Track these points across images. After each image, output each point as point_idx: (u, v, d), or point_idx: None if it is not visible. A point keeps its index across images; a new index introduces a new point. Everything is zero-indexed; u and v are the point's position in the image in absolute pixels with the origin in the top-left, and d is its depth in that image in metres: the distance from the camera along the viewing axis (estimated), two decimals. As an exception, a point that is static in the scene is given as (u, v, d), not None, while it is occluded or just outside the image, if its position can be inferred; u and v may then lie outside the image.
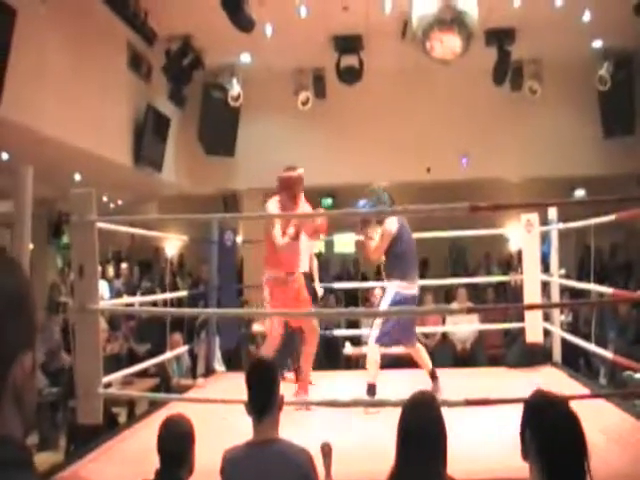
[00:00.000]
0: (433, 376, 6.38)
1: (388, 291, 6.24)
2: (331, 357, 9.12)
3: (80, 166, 10.33)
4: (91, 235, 5.09)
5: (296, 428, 4.88)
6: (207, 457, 3.25)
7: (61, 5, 7.87)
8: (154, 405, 6.49)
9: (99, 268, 6.05)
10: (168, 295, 7.71)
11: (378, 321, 6.19)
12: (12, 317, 1.03)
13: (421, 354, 6.46)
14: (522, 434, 2.34)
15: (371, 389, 6.05)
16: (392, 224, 6.19)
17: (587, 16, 9.97)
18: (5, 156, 8.93)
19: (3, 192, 7.98)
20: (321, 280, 7.90)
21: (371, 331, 6.34)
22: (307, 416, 5.58)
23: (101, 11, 8.71)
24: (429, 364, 6.44)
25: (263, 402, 3.08)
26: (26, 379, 1.05)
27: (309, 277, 7.20)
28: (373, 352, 6.15)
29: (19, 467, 1.02)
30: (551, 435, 2.25)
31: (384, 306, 6.19)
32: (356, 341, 9.05)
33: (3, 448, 1.00)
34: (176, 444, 3.09)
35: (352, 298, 11.29)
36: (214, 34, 10.18)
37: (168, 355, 7.45)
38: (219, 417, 5.37)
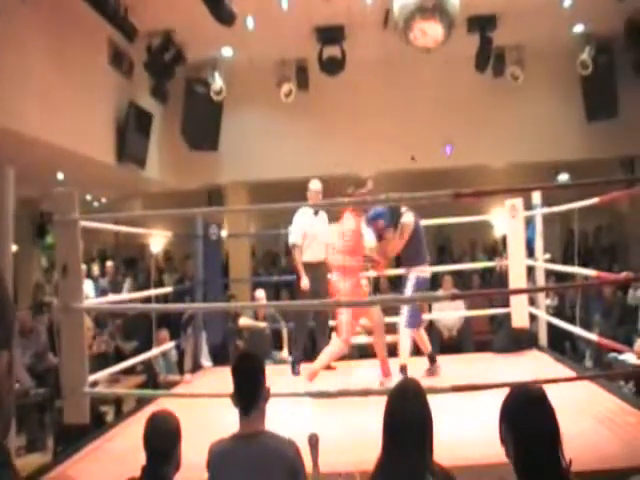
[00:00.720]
0: (432, 359, 6.85)
1: (410, 277, 6.68)
2: (318, 348, 9.14)
3: (63, 165, 10.28)
4: (74, 234, 5.08)
5: (284, 419, 4.89)
6: (194, 452, 3.25)
7: (41, 3, 7.82)
8: (141, 402, 6.47)
9: (84, 267, 6.04)
10: (153, 292, 7.68)
11: (405, 308, 6.67)
12: None
13: (423, 336, 6.96)
14: (500, 433, 2.40)
15: (403, 370, 6.44)
16: (409, 218, 6.72)
17: (568, 1, 9.98)
18: (-14, 157, 8.87)
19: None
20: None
21: (400, 318, 6.71)
22: (294, 407, 5.57)
23: (81, 8, 8.63)
24: (429, 346, 6.94)
25: (249, 395, 3.07)
26: (3, 378, 1.04)
27: (323, 266, 7.34)
28: (406, 336, 6.62)
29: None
30: (525, 432, 2.30)
31: (409, 291, 6.66)
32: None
33: None
34: (161, 441, 3.06)
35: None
36: (195, 28, 10.13)
37: (155, 352, 7.43)
38: (210, 409, 5.36)
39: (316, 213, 7.51)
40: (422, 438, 2.68)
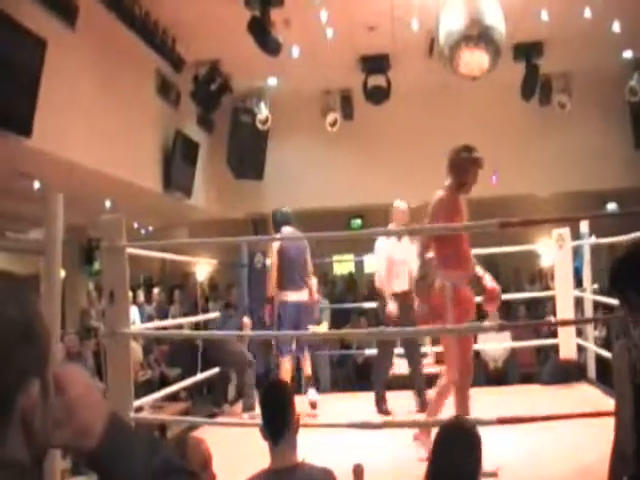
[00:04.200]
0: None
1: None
2: (363, 378, 9.08)
3: (110, 193, 10.43)
4: (121, 260, 5.12)
5: (327, 449, 4.84)
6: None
7: (90, 34, 7.98)
8: (186, 429, 6.46)
9: (130, 293, 6.07)
10: (201, 317, 7.70)
11: None
12: (19, 345, 1.04)
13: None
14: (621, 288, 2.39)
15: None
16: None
17: (617, 26, 9.86)
18: (37, 185, 9.03)
19: (36, 220, 8.05)
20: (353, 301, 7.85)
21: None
22: (339, 437, 5.52)
23: (129, 39, 8.81)
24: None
25: (279, 424, 2.99)
26: (34, 405, 1.05)
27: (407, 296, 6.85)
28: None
29: None
30: None
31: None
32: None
33: (3, 471, 1.01)
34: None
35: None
36: (241, 58, 10.24)
37: (199, 377, 7.39)
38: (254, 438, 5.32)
39: (399, 238, 7.06)
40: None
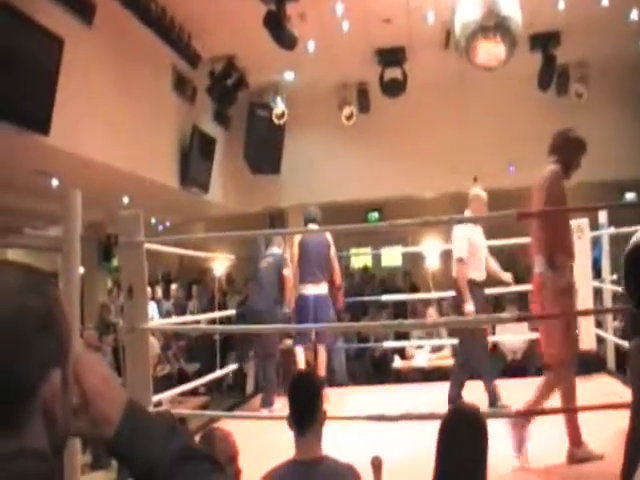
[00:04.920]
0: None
1: None
2: (381, 371, 9.08)
3: (128, 189, 10.46)
4: (139, 256, 5.14)
5: (346, 442, 4.85)
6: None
7: (106, 31, 8.02)
8: (205, 423, 6.48)
9: (148, 289, 6.11)
10: (218, 314, 7.72)
11: None
12: (40, 335, 1.04)
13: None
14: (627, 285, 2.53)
15: None
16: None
17: (634, 14, 9.76)
18: (55, 182, 9.08)
19: (54, 217, 8.10)
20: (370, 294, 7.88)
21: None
22: (356, 429, 5.53)
23: (145, 35, 8.83)
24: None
25: (305, 416, 2.99)
26: (56, 395, 1.06)
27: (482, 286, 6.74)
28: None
29: (40, 479, 1.03)
30: None
31: None
32: (406, 354, 8.97)
33: (24, 460, 1.02)
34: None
35: (402, 311, 11.21)
36: (257, 53, 10.24)
37: (218, 374, 7.44)
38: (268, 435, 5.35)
39: (476, 225, 6.79)
40: (477, 465, 2.56)
